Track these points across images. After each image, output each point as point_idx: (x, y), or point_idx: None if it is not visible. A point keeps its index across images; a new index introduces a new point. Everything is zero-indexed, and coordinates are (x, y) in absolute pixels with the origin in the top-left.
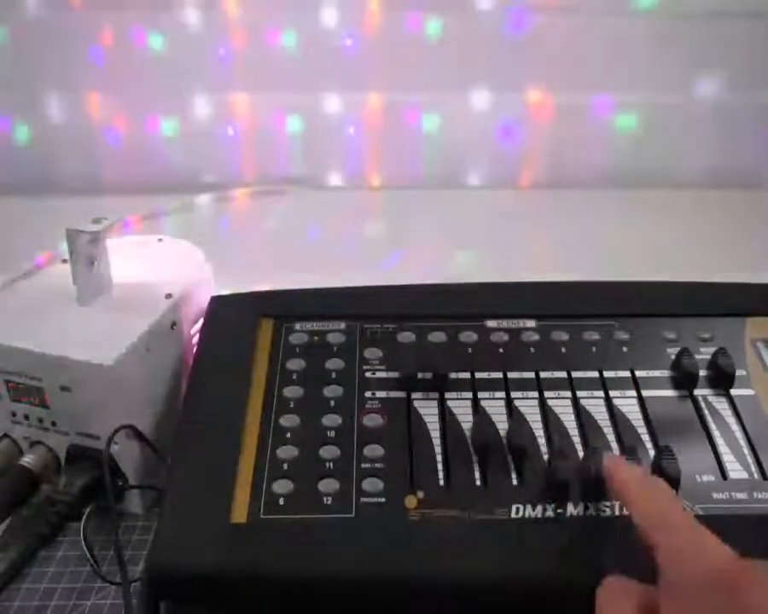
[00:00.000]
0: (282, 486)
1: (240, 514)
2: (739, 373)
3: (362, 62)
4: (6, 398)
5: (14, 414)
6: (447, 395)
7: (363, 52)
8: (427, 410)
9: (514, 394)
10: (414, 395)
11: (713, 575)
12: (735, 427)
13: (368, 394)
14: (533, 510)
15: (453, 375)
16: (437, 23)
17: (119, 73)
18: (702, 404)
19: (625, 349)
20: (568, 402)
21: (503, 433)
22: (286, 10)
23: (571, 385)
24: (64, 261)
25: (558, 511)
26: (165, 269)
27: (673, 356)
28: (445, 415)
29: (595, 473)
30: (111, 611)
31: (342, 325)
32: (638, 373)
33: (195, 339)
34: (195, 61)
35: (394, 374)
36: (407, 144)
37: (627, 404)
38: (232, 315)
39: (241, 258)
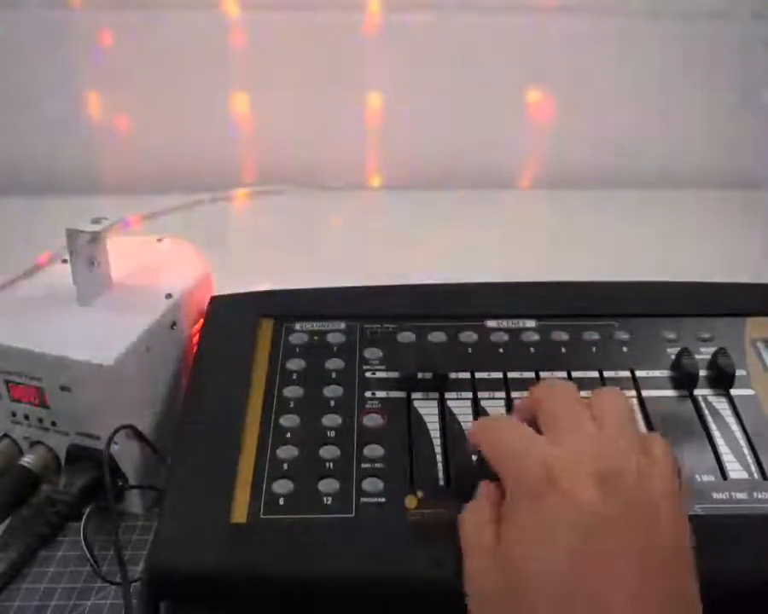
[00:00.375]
0: (282, 486)
1: (240, 514)
2: (739, 373)
3: (363, 62)
4: (6, 398)
5: (14, 414)
6: (447, 395)
7: (363, 51)
8: (427, 410)
9: (514, 394)
10: (414, 395)
11: (540, 486)
12: (735, 427)
13: (368, 394)
14: None
15: (453, 375)
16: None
17: (118, 72)
18: (702, 404)
19: (625, 349)
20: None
21: None
22: (285, 9)
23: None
24: (64, 261)
25: None
26: (165, 269)
27: (673, 356)
28: (445, 415)
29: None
30: (111, 611)
31: (342, 325)
32: (638, 373)
33: (195, 339)
34: (196, 61)
35: (394, 374)
36: (408, 144)
37: None
38: (232, 315)
39: (241, 258)
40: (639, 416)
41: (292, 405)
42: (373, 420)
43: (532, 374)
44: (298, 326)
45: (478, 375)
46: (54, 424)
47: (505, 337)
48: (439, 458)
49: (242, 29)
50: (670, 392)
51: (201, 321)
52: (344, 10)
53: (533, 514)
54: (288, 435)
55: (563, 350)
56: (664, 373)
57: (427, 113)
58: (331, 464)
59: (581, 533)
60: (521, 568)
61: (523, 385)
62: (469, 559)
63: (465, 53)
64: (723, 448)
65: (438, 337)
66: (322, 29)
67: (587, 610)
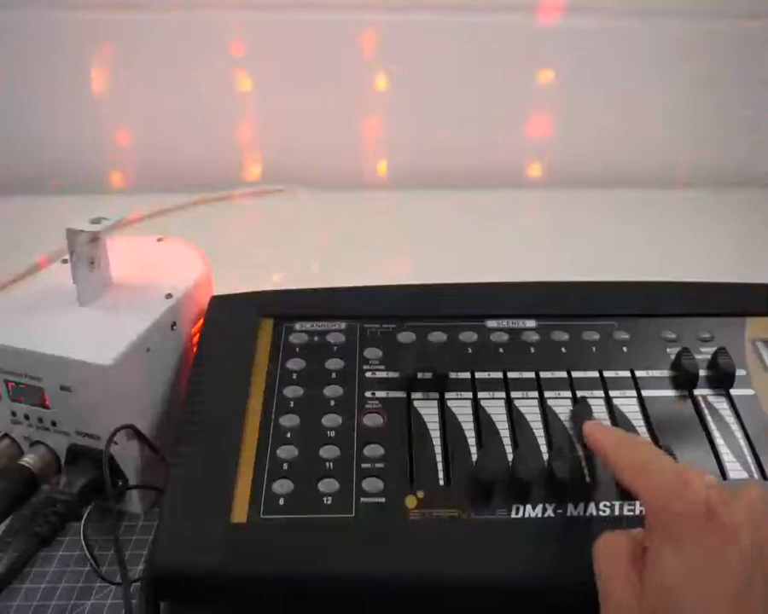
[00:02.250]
0: (282, 486)
1: (240, 514)
2: (739, 372)
3: (363, 62)
4: (6, 398)
5: (14, 414)
6: (447, 395)
7: (364, 51)
8: (427, 410)
9: (514, 394)
10: (414, 395)
11: (693, 501)
12: (735, 427)
13: (368, 394)
14: (533, 510)
15: (453, 375)
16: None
17: (119, 72)
18: (702, 404)
19: (625, 349)
20: (568, 402)
21: (504, 433)
22: (285, 9)
23: (571, 385)
24: (64, 261)
25: (558, 511)
26: (165, 269)
27: (673, 356)
28: (445, 415)
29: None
30: (111, 610)
31: (342, 325)
32: (638, 373)
33: (195, 339)
34: (196, 61)
35: (394, 374)
36: (408, 144)
37: (627, 404)
38: (232, 315)
39: (241, 258)
40: (640, 417)
41: (292, 405)
42: (373, 420)
43: (532, 374)
44: (298, 326)
45: (478, 375)
46: (54, 424)
47: (505, 337)
48: (439, 458)
49: (243, 29)
50: (670, 392)
51: (201, 321)
52: (345, 10)
53: (691, 550)
54: (288, 435)
55: (563, 350)
56: (664, 373)
57: (428, 113)
58: (331, 464)
59: (745, 576)
60: (672, 584)
61: (523, 385)
62: (606, 580)
63: (466, 52)
64: (723, 449)
65: (438, 337)
66: (323, 28)
67: None
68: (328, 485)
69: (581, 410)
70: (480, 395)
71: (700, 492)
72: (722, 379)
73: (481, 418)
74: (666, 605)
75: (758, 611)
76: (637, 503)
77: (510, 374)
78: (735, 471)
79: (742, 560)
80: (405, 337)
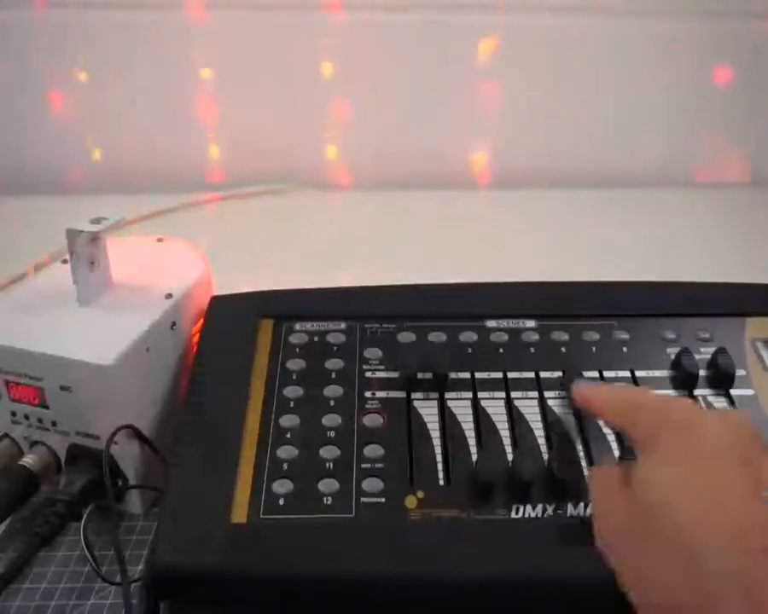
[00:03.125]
0: (282, 486)
1: (240, 514)
2: (739, 373)
3: (363, 62)
4: (6, 398)
5: (14, 414)
6: (447, 395)
7: (364, 50)
8: (427, 410)
9: (514, 394)
10: (414, 395)
11: (675, 415)
12: None
13: (368, 394)
14: (533, 510)
15: (453, 375)
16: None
17: (119, 72)
18: (702, 404)
19: (625, 349)
20: (568, 402)
21: (504, 433)
22: (286, 8)
23: (571, 385)
24: (64, 261)
25: (558, 511)
26: (165, 269)
27: (673, 356)
28: (445, 415)
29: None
30: (111, 610)
31: (342, 325)
32: (638, 373)
33: (195, 339)
34: (196, 61)
35: (394, 374)
36: (408, 143)
37: None
38: (232, 315)
39: (241, 258)
40: None
41: (292, 405)
42: (373, 420)
43: (532, 374)
44: (298, 326)
45: (478, 375)
46: (54, 424)
47: (505, 337)
48: (439, 458)
49: (243, 29)
50: (670, 392)
51: (201, 321)
52: (345, 10)
53: (674, 460)
54: (288, 435)
55: (563, 350)
56: (664, 373)
57: (429, 113)
58: (331, 464)
59: (729, 476)
60: (659, 498)
61: (523, 385)
62: (599, 502)
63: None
64: None
65: (438, 337)
66: (322, 28)
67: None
68: (328, 485)
69: (570, 375)
70: (480, 395)
71: (681, 408)
72: (722, 379)
73: (481, 418)
74: (655, 517)
75: (737, 503)
76: None
77: (510, 374)
78: None
79: (723, 461)
80: (405, 337)
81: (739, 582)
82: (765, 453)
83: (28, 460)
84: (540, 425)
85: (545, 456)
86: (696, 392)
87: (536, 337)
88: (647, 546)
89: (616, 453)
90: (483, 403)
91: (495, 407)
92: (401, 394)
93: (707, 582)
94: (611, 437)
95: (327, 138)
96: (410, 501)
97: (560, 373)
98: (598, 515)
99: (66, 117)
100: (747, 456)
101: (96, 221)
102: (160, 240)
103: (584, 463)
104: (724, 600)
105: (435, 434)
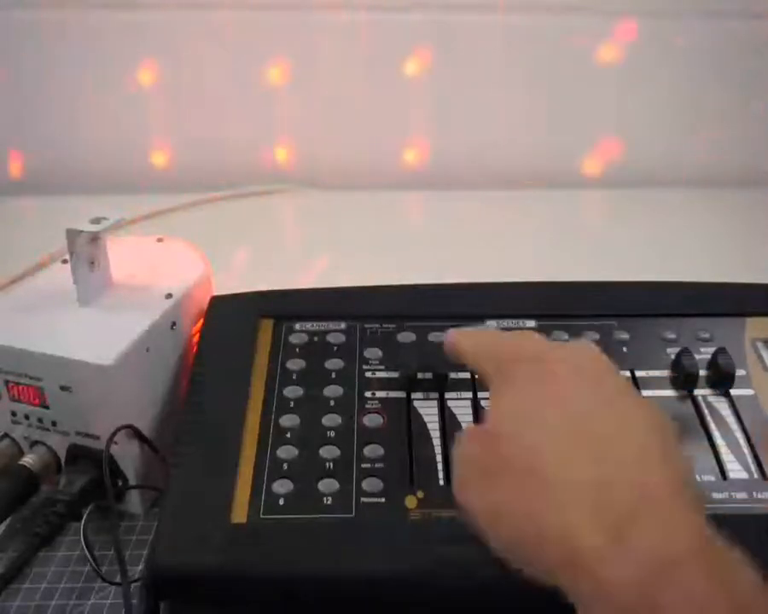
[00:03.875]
0: (282, 486)
1: (240, 514)
2: (739, 373)
3: (363, 62)
4: (6, 398)
5: (14, 414)
6: (447, 395)
7: (364, 52)
8: (427, 410)
9: None
10: (414, 395)
11: (526, 348)
12: (735, 427)
13: (368, 394)
14: None
15: (453, 375)
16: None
17: (118, 72)
18: (702, 404)
19: (625, 349)
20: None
21: None
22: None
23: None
24: (64, 261)
25: None
26: (165, 269)
27: (673, 356)
28: (445, 415)
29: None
30: (111, 610)
31: (342, 325)
32: (638, 373)
33: (195, 339)
34: (196, 61)
35: (394, 374)
36: (409, 143)
37: None
38: (232, 315)
39: (241, 258)
40: None
41: (292, 405)
42: (373, 420)
43: None
44: (298, 326)
45: (478, 375)
46: (54, 424)
47: None
48: (439, 458)
49: (242, 29)
50: (670, 392)
51: (201, 321)
52: (348, 9)
53: (525, 390)
54: (288, 435)
55: None
56: (664, 373)
57: (430, 114)
58: (331, 464)
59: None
60: (513, 429)
61: None
62: (457, 459)
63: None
64: (723, 449)
65: (438, 337)
66: (323, 27)
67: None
68: (328, 485)
69: None
70: (480, 395)
71: (532, 344)
72: (722, 379)
73: (481, 418)
74: (510, 448)
75: (590, 422)
76: None
77: None
78: (735, 471)
79: (574, 384)
80: (405, 337)
81: (591, 493)
82: (611, 371)
83: (28, 460)
84: None
85: None
86: (696, 392)
87: None
88: (504, 480)
89: None
90: (483, 403)
91: None
92: (401, 394)
93: (563, 496)
94: None
95: (327, 138)
96: (410, 501)
97: None
98: (456, 475)
99: None
100: (597, 376)
101: (96, 221)
102: (160, 240)
103: None
104: (576, 512)
105: (435, 434)
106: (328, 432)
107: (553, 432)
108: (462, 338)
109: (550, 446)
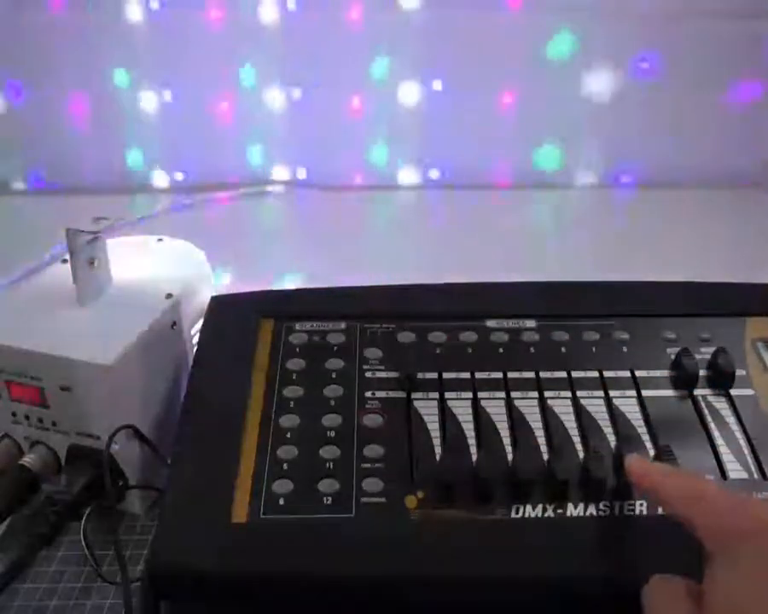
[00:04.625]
0: (282, 486)
1: (240, 514)
2: (739, 373)
3: (363, 62)
4: (6, 398)
5: (14, 414)
6: (447, 395)
7: (365, 51)
8: (427, 410)
9: (514, 394)
10: (414, 395)
11: (752, 517)
12: (735, 427)
13: (368, 394)
14: (533, 510)
15: (453, 375)
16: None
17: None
18: (702, 404)
19: (625, 349)
20: (568, 402)
21: (504, 433)
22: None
23: (571, 385)
24: (64, 261)
25: (558, 511)
26: (165, 269)
27: (673, 356)
28: (445, 415)
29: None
30: (111, 611)
31: (342, 325)
32: (638, 373)
33: (195, 339)
34: (197, 60)
35: (394, 374)
36: (409, 143)
37: (627, 404)
38: (232, 315)
39: (241, 258)
40: (639, 417)
41: (292, 405)
42: (373, 420)
43: (532, 374)
44: (298, 326)
45: (478, 375)
46: (54, 424)
47: (505, 337)
48: (439, 458)
49: (241, 28)
50: (670, 392)
51: (201, 321)
52: (344, 9)
53: (753, 565)
54: (288, 435)
55: (563, 350)
56: (664, 373)
57: (433, 113)
58: (331, 464)
59: None
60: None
61: (523, 385)
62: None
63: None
64: (723, 449)
65: (438, 337)
66: (324, 27)
67: None
68: (328, 485)
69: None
70: (480, 395)
71: (758, 509)
72: (722, 379)
73: (481, 418)
74: None
75: None
76: (637, 502)
77: (510, 374)
78: (735, 471)
79: None
80: (405, 337)
81: None
82: None
83: (28, 460)
84: (540, 425)
85: (545, 456)
86: (696, 392)
87: (536, 337)
88: None
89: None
90: (483, 403)
91: (495, 407)
92: (401, 394)
93: None
94: (611, 437)
95: (328, 138)
96: (410, 501)
97: (560, 373)
98: None
99: None
100: None
101: (96, 221)
102: (160, 240)
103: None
104: None
105: (435, 434)
106: (328, 432)
107: None
108: (652, 473)
109: None
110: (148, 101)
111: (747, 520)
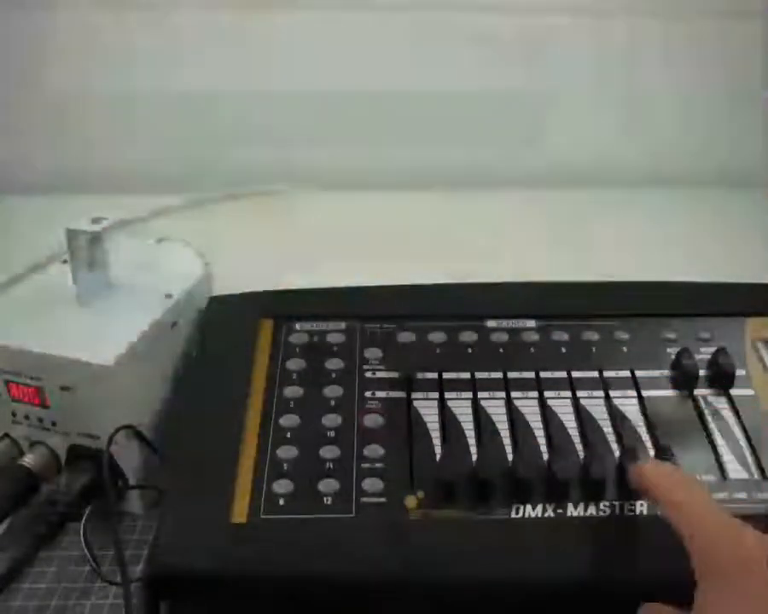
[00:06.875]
0: (282, 486)
1: (240, 514)
2: (739, 373)
3: (363, 61)
4: (6, 398)
5: (14, 414)
6: (447, 395)
7: (365, 51)
8: (427, 410)
9: (514, 394)
10: (414, 395)
11: (748, 546)
12: (735, 427)
13: (368, 394)
14: (533, 510)
15: (453, 375)
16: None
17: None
18: (702, 404)
19: (625, 349)
20: (568, 402)
21: (504, 433)
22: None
23: (571, 385)
24: (64, 261)
25: (558, 511)
26: (165, 269)
27: (673, 356)
28: (445, 415)
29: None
30: (111, 611)
31: (342, 325)
32: (638, 373)
33: (195, 339)
34: (196, 60)
35: (394, 374)
36: (408, 143)
37: (627, 404)
38: (232, 315)
39: (241, 258)
40: (639, 417)
41: (292, 405)
42: (373, 420)
43: (532, 374)
44: (298, 326)
45: (478, 375)
46: (54, 424)
47: (505, 337)
48: (439, 458)
49: (241, 28)
50: (670, 392)
51: (201, 321)
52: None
53: (743, 594)
54: (288, 435)
55: (563, 350)
56: (664, 373)
57: (433, 114)
58: (331, 464)
59: None
60: None
61: (523, 384)
62: None
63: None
64: (723, 449)
65: (438, 337)
66: (325, 27)
67: None
68: (328, 485)
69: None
70: (480, 395)
71: (756, 539)
72: (722, 379)
73: (481, 418)
74: None
75: None
76: (638, 503)
77: (510, 374)
78: (735, 471)
79: None
80: (405, 337)
81: None
82: None
83: (28, 460)
84: (540, 425)
85: (545, 456)
86: (696, 392)
87: (536, 337)
88: None
89: (616, 453)
90: (483, 403)
91: (495, 407)
92: (401, 394)
93: None
94: (611, 437)
95: (327, 137)
96: (410, 501)
97: (560, 373)
98: None
99: None
100: None
101: (96, 221)
102: (160, 240)
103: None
104: None
105: (435, 434)
106: (328, 432)
107: None
108: (653, 475)
109: None
110: (148, 99)
111: (741, 549)
